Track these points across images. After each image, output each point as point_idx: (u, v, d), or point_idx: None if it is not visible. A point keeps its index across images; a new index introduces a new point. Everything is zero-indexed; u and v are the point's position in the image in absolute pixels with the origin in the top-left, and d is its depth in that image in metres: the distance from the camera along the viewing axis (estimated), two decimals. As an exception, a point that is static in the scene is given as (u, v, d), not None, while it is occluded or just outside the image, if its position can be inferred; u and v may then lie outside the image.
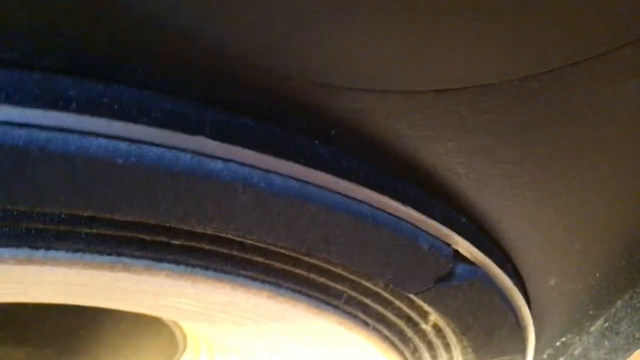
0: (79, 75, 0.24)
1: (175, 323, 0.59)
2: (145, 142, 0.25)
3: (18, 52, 0.23)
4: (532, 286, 0.44)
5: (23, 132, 0.23)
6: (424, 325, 0.43)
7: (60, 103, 0.23)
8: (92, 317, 0.56)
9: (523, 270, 0.42)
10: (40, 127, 0.23)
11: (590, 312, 0.50)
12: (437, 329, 0.44)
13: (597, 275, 0.45)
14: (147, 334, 0.60)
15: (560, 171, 0.33)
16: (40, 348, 0.55)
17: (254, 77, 0.26)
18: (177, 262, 0.32)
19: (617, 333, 0.51)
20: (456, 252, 0.35)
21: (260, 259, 0.34)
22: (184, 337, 0.62)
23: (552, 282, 0.44)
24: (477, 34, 0.26)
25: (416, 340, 0.45)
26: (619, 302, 0.49)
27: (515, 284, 0.40)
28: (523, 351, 0.47)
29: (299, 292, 0.37)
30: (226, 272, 0.34)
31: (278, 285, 0.36)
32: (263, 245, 0.33)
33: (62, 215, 0.29)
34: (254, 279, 0.35)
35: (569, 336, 0.54)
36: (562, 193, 0.35)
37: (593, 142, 0.31)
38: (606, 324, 0.52)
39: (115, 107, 0.24)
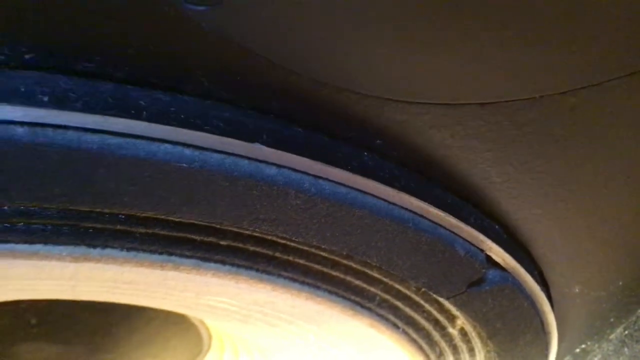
0: (148, 86, 0.26)
1: (202, 322, 0.61)
2: (207, 149, 0.26)
3: (94, 63, 0.25)
4: (556, 293, 0.45)
5: (97, 138, 0.25)
6: (450, 329, 0.44)
7: (132, 112, 0.25)
8: (123, 316, 0.58)
9: (549, 277, 0.43)
10: (113, 134, 0.25)
11: (611, 320, 0.51)
12: (463, 333, 0.45)
13: (620, 283, 0.46)
14: (175, 333, 0.61)
15: (592, 182, 0.34)
16: (72, 345, 0.57)
17: (307, 89, 0.28)
18: (224, 262, 0.34)
19: (637, 341, 0.52)
20: (488, 257, 0.36)
21: (301, 261, 0.35)
22: (210, 336, 0.63)
23: (577, 290, 0.45)
24: (519, 50, 0.27)
25: (442, 344, 0.46)
26: (640, 310, 0.50)
27: (542, 290, 0.42)
28: (545, 357, 0.48)
29: (336, 293, 0.38)
30: (268, 273, 0.35)
31: (316, 287, 0.37)
32: (305, 248, 0.34)
33: (121, 216, 0.30)
34: (294, 280, 0.36)
35: (588, 343, 0.55)
36: (593, 203, 0.36)
37: (625, 155, 0.33)
38: (626, 332, 0.53)
39: (182, 116, 0.26)
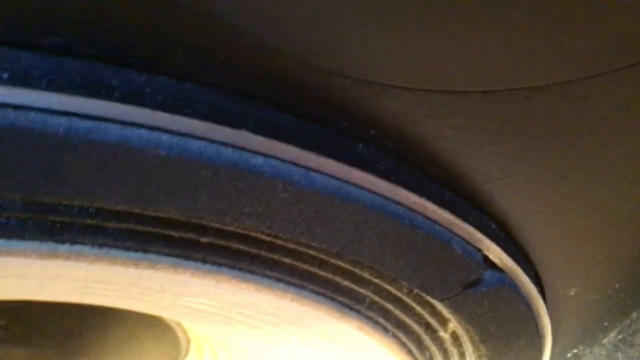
0: (121, 64, 0.23)
1: (179, 325, 0.58)
2: (187, 135, 0.24)
3: (61, 38, 0.22)
4: (551, 295, 0.44)
5: (63, 121, 0.22)
6: (442, 333, 0.43)
7: (103, 92, 0.23)
8: (96, 318, 0.55)
9: (545, 279, 0.42)
10: (82, 116, 0.23)
11: (605, 324, 0.50)
12: (455, 337, 0.43)
13: (617, 286, 0.45)
14: (151, 335, 0.59)
15: (595, 178, 0.33)
16: (43, 348, 0.54)
17: (298, 73, 0.26)
18: (204, 261, 0.31)
19: (631, 345, 0.50)
20: (485, 257, 0.34)
21: (287, 260, 0.33)
22: (188, 340, 0.61)
23: (572, 292, 0.44)
24: (525, 35, 0.25)
25: (432, 348, 0.44)
26: (635, 314, 0.49)
27: (538, 292, 0.40)
28: (538, 361, 0.47)
29: (323, 295, 0.36)
30: (252, 273, 0.33)
31: (302, 288, 0.35)
32: (292, 246, 0.32)
33: (91, 209, 0.28)
34: (279, 280, 0.34)
35: (580, 348, 0.54)
36: (594, 202, 0.34)
37: (631, 152, 0.31)
38: (620, 336, 0.51)
39: (159, 98, 0.23)
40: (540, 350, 0.45)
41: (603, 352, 0.53)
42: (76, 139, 0.23)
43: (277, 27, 0.24)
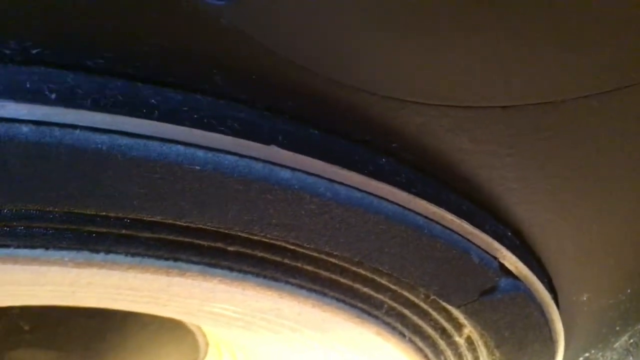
0: (160, 84, 0.25)
1: (199, 329, 0.59)
2: (221, 151, 0.25)
3: (104, 59, 0.24)
4: (564, 301, 0.44)
5: (106, 138, 0.24)
6: (457, 338, 0.44)
7: (143, 110, 0.24)
8: (118, 322, 0.57)
9: (558, 284, 0.43)
10: (123, 133, 0.24)
11: (617, 328, 0.51)
12: (470, 342, 0.44)
13: (628, 291, 0.45)
14: (171, 339, 0.60)
15: (608, 187, 0.34)
16: (67, 352, 0.56)
17: (324, 90, 0.27)
18: (231, 269, 0.33)
19: (643, 349, 0.51)
20: (501, 265, 0.35)
21: (309, 268, 0.34)
22: (207, 343, 0.62)
23: (584, 298, 0.45)
24: (543, 52, 0.26)
25: (448, 353, 0.45)
26: (646, 319, 0.50)
27: (552, 298, 0.41)
28: (551, 366, 0.48)
29: (343, 301, 0.37)
30: (276, 280, 0.34)
31: (324, 294, 0.36)
32: (315, 254, 0.33)
33: (126, 220, 0.29)
34: (301, 287, 0.35)
35: (592, 352, 0.54)
36: (607, 210, 0.35)
37: (643, 162, 0.32)
38: (631, 340, 0.52)
39: (195, 116, 0.25)
40: (552, 355, 0.46)
41: (614, 356, 0.54)
42: (118, 156, 0.24)
43: (304, 46, 0.25)
